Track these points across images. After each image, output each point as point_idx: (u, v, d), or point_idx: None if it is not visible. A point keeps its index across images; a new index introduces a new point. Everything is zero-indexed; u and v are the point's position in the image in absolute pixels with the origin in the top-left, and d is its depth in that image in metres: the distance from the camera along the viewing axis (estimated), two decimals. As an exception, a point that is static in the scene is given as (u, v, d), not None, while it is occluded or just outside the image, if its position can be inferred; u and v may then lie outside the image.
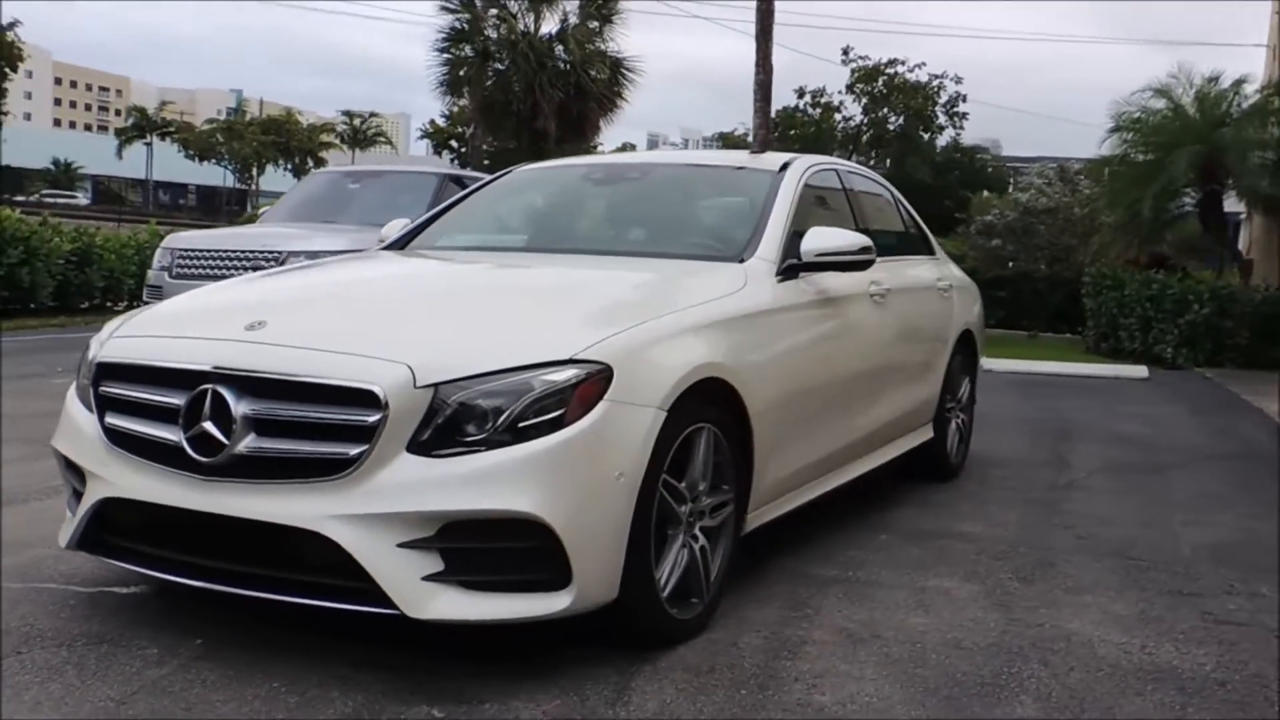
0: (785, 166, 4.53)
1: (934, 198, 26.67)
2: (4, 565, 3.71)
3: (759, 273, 3.91)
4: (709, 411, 3.34)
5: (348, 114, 71.52)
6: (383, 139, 70.37)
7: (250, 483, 2.90)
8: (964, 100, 27.40)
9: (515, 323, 3.25)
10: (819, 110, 27.68)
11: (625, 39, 28.83)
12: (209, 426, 2.92)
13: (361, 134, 71.13)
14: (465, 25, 22.20)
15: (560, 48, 22.24)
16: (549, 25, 22.73)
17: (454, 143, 48.74)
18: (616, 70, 22.70)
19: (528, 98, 21.47)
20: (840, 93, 26.88)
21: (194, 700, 2.77)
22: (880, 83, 26.20)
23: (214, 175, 78.83)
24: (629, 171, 5.14)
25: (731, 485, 3.50)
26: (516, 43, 21.96)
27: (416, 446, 2.83)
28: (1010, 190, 20.79)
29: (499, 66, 22.29)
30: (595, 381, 2.94)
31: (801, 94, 27.53)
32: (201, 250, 9.40)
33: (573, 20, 22.62)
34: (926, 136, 27.19)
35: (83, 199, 75.81)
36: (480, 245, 4.50)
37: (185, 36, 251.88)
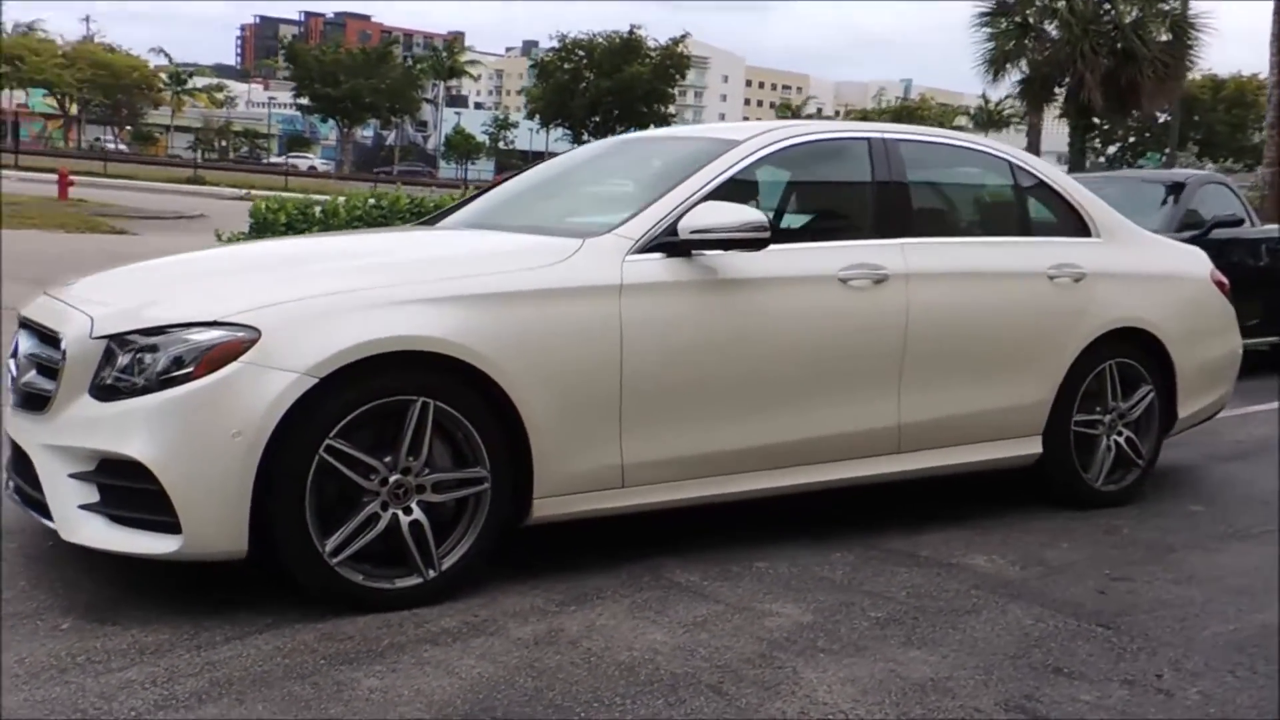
0: (747, 139, 4.11)
1: None
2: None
3: (601, 250, 3.66)
4: (429, 384, 3.29)
5: (984, 98, 71.01)
6: (1016, 120, 68.57)
7: (23, 411, 3.49)
8: None
9: (219, 286, 3.48)
10: None
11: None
12: (10, 363, 3.57)
13: (997, 116, 70.10)
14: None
15: (1109, 9, 20.10)
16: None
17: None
18: (1179, 30, 19.95)
19: (1070, 68, 19.75)
20: None
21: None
22: None
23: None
24: (629, 146, 4.96)
25: (488, 467, 3.40)
26: (1058, 10, 20.29)
27: (95, 390, 3.22)
28: None
29: (1047, 36, 20.76)
30: (235, 343, 3.11)
31: None
32: None
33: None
34: None
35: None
36: (461, 222, 4.65)
37: (874, 35, 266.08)
